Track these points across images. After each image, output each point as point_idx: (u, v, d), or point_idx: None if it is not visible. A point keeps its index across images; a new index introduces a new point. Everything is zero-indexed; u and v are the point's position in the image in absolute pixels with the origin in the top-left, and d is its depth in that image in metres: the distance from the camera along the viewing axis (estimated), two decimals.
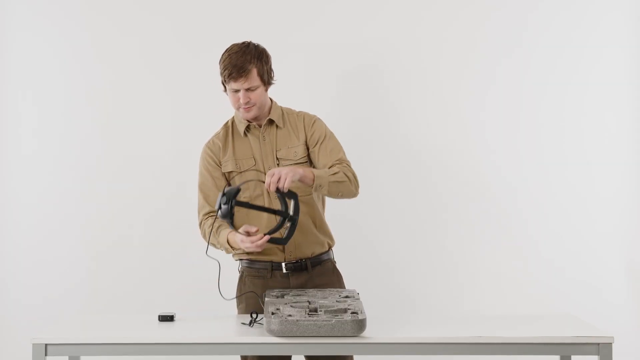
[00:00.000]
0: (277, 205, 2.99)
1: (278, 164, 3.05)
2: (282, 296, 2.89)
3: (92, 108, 4.00)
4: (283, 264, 3.07)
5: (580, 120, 3.95)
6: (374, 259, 3.96)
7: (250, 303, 3.05)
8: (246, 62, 2.96)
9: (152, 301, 3.89)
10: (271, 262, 3.07)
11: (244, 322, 2.84)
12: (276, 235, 2.89)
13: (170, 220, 3.97)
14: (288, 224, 2.89)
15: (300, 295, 2.90)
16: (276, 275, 3.08)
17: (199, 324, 2.86)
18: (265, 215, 3.03)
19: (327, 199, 3.21)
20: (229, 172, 3.09)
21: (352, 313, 2.64)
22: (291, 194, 2.86)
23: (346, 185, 2.98)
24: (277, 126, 3.09)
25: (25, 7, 3.98)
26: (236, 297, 3.12)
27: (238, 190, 2.82)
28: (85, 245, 4.00)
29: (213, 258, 2.91)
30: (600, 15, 3.93)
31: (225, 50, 3.02)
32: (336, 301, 2.80)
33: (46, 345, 2.63)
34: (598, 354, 2.61)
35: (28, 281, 3.99)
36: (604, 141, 3.95)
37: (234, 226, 2.85)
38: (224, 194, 2.80)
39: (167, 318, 2.90)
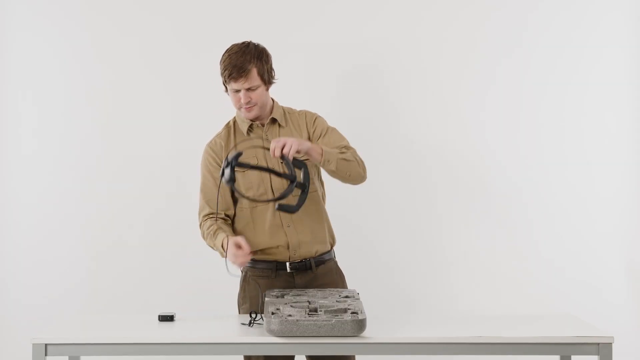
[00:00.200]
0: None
1: (282, 163, 3.05)
2: (282, 296, 2.89)
3: (92, 108, 4.00)
4: (287, 264, 3.07)
5: (580, 120, 3.95)
6: (374, 259, 3.96)
7: (254, 303, 3.05)
8: (246, 62, 2.96)
9: (152, 301, 3.89)
10: (275, 261, 3.07)
11: (244, 322, 2.84)
12: (285, 202, 2.87)
13: (170, 220, 3.97)
14: (298, 192, 2.85)
15: (300, 295, 2.90)
16: (281, 275, 3.08)
17: (199, 324, 2.86)
18: (271, 209, 3.03)
19: (327, 198, 3.21)
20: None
21: (352, 313, 2.64)
22: (300, 163, 2.84)
23: (354, 166, 2.98)
24: (279, 125, 3.10)
25: (25, 7, 3.98)
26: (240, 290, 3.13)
27: (239, 154, 2.82)
28: (85, 245, 4.00)
29: (233, 275, 2.92)
30: (600, 15, 3.93)
31: (226, 51, 3.02)
32: (336, 301, 2.80)
33: (46, 345, 2.63)
34: (598, 354, 2.61)
35: (28, 281, 3.99)
36: (604, 141, 3.95)
37: (238, 191, 2.84)
38: (226, 160, 2.80)
39: (167, 318, 2.90)
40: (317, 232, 3.10)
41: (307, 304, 2.75)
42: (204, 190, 3.11)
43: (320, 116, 3.15)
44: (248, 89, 2.97)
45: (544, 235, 3.95)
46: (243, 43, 3.02)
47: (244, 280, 3.12)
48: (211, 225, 3.04)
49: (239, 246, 2.89)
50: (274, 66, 3.08)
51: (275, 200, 2.89)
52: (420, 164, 3.98)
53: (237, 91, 2.98)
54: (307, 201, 3.02)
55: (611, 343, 2.61)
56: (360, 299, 2.88)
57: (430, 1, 3.96)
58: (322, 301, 2.79)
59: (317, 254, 3.10)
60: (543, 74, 3.94)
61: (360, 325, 2.58)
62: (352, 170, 2.97)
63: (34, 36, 3.98)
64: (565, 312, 3.14)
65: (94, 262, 3.99)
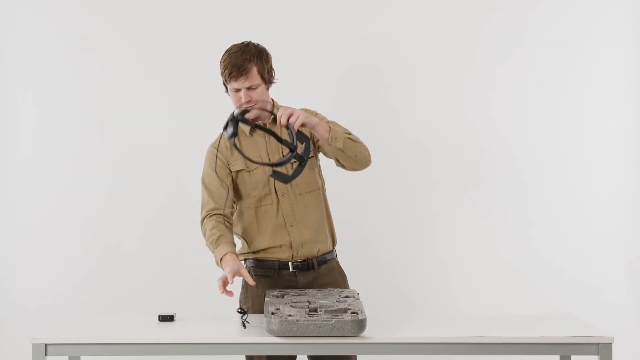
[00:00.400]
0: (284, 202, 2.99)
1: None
2: (282, 296, 2.89)
3: (92, 108, 4.00)
4: (290, 264, 3.07)
5: (580, 120, 3.96)
6: (374, 259, 3.96)
7: (257, 302, 3.05)
8: (246, 60, 2.96)
9: (152, 301, 3.89)
10: (278, 261, 3.07)
11: (242, 317, 2.83)
12: (281, 170, 2.87)
13: (171, 220, 3.97)
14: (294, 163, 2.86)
15: (300, 295, 2.90)
16: (283, 274, 3.08)
17: (199, 324, 2.86)
18: (274, 209, 3.02)
19: (327, 198, 3.21)
20: (238, 171, 3.08)
21: (352, 313, 2.64)
22: (303, 137, 2.83)
23: (360, 147, 2.97)
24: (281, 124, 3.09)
25: (25, 7, 3.98)
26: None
27: (246, 111, 2.83)
28: (85, 246, 4.00)
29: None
30: (600, 15, 3.93)
31: (225, 51, 3.02)
32: (336, 301, 2.80)
33: (46, 345, 2.63)
34: (598, 354, 2.61)
35: (28, 281, 3.99)
36: (604, 141, 3.95)
37: (238, 149, 2.82)
38: (232, 114, 2.80)
39: (167, 318, 2.90)
40: (319, 232, 3.10)
41: (307, 304, 2.75)
42: (208, 187, 3.07)
43: (319, 112, 3.15)
44: (248, 88, 2.97)
45: (544, 235, 3.95)
46: (243, 43, 3.02)
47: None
48: (214, 228, 3.00)
49: (225, 282, 2.84)
50: (274, 66, 3.08)
51: (271, 165, 2.87)
52: (420, 164, 3.98)
53: (238, 90, 2.98)
54: (309, 200, 3.02)
55: (611, 343, 2.61)
56: (360, 299, 2.88)
57: (430, 1, 3.96)
58: (322, 301, 2.79)
59: (319, 254, 3.10)
60: (543, 74, 3.94)
61: (360, 325, 2.58)
62: (358, 151, 2.96)
63: (34, 36, 3.98)
64: (565, 312, 3.14)
65: (94, 262, 3.99)
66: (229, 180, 3.07)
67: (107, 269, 3.99)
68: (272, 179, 3.03)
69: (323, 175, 3.20)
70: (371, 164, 3.05)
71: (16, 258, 4.00)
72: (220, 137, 3.12)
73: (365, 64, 3.97)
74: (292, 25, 3.96)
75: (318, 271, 3.09)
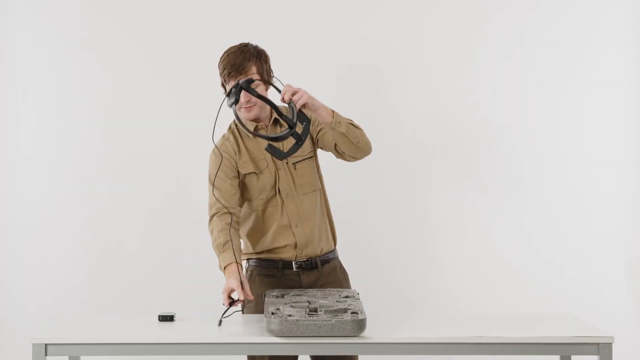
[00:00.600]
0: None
1: (287, 163, 3.05)
2: (282, 296, 2.89)
3: (92, 108, 4.00)
4: (294, 263, 3.07)
5: (581, 120, 3.96)
6: (374, 259, 3.96)
7: (259, 302, 3.05)
8: (245, 60, 2.96)
9: (152, 301, 3.89)
10: (281, 260, 3.07)
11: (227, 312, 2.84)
12: (277, 146, 2.87)
13: (170, 220, 3.97)
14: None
15: (300, 295, 2.90)
16: (287, 273, 3.08)
17: (199, 324, 2.86)
18: (280, 210, 3.03)
19: (329, 197, 3.21)
20: (247, 174, 3.06)
21: (352, 313, 2.64)
22: (304, 117, 2.84)
23: (362, 133, 2.97)
24: (281, 126, 3.09)
25: (25, 7, 3.98)
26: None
27: (252, 80, 2.85)
28: (85, 246, 4.00)
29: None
30: (600, 15, 3.93)
31: (224, 52, 3.02)
32: (336, 301, 2.80)
33: (46, 345, 2.63)
34: (598, 354, 2.61)
35: (28, 281, 3.99)
36: (604, 141, 3.95)
37: (238, 116, 2.85)
38: (237, 82, 2.83)
39: (167, 318, 2.90)
40: (322, 231, 3.11)
41: (307, 304, 2.75)
42: (217, 188, 3.01)
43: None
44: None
45: (544, 235, 3.95)
46: (241, 44, 3.02)
47: (250, 279, 3.12)
48: (222, 231, 2.95)
49: (230, 297, 2.83)
50: (272, 67, 3.08)
51: (269, 138, 2.86)
52: (420, 164, 3.98)
53: None
54: (312, 199, 3.03)
55: (611, 343, 2.61)
56: (360, 299, 2.88)
57: (430, 1, 3.96)
58: (322, 301, 2.79)
59: (322, 253, 3.10)
60: (543, 74, 3.94)
61: (360, 325, 2.58)
62: (361, 138, 2.96)
63: (34, 36, 3.98)
64: (565, 312, 3.14)
65: (94, 262, 3.99)
66: (236, 183, 3.05)
67: (107, 269, 3.99)
68: (277, 181, 3.03)
69: (322, 174, 3.20)
70: (371, 152, 3.03)
71: (16, 258, 4.00)
72: (224, 138, 3.10)
73: (365, 64, 3.97)
74: (292, 25, 3.96)
75: (321, 270, 3.10)
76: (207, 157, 3.12)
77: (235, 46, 3.02)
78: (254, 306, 3.08)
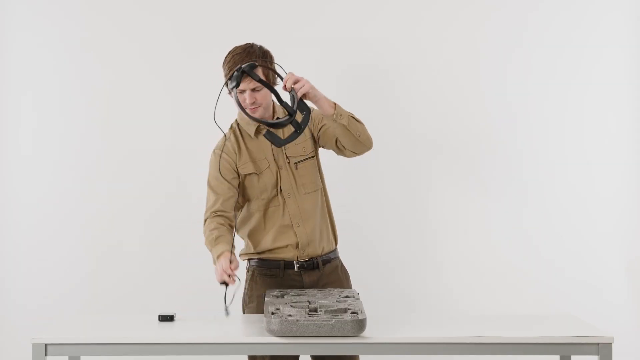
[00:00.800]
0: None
1: (289, 162, 3.05)
2: (282, 296, 2.89)
3: (92, 108, 4.00)
4: (295, 263, 3.07)
5: (581, 121, 3.96)
6: (374, 259, 3.96)
7: (260, 302, 3.05)
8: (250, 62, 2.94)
9: (152, 301, 3.89)
10: (283, 260, 3.07)
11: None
12: (277, 133, 2.88)
13: (171, 220, 3.97)
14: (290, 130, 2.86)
15: (300, 295, 2.90)
16: (288, 273, 3.08)
17: (199, 324, 2.86)
18: (281, 210, 3.03)
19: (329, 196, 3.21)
20: (247, 174, 3.06)
21: (352, 313, 2.64)
22: (304, 106, 2.83)
23: (364, 127, 2.96)
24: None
25: (25, 7, 3.98)
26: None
27: (255, 65, 2.85)
28: (85, 246, 4.00)
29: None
30: (600, 15, 3.93)
31: (229, 52, 3.00)
32: (336, 301, 2.80)
33: (46, 345, 2.63)
34: (598, 354, 2.61)
35: (28, 281, 3.99)
36: (604, 141, 3.95)
37: (237, 101, 2.85)
38: (240, 66, 2.83)
39: (167, 318, 2.90)
40: (323, 231, 3.11)
41: (307, 303, 2.75)
42: (215, 191, 3.03)
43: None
44: (253, 90, 2.95)
45: (544, 235, 3.95)
46: (246, 44, 3.01)
47: (251, 279, 3.12)
48: (215, 229, 2.97)
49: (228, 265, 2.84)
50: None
51: (268, 124, 2.87)
52: (419, 164, 3.98)
53: (242, 91, 2.96)
54: (313, 199, 3.04)
55: (611, 343, 2.61)
56: (360, 299, 2.88)
57: (430, 1, 3.96)
58: (322, 301, 2.79)
59: (323, 253, 3.10)
60: (543, 74, 3.94)
61: (360, 325, 2.58)
62: (362, 132, 2.94)
63: (34, 36, 3.98)
64: (565, 312, 3.14)
65: (94, 262, 3.99)
66: (236, 184, 3.05)
67: (107, 269, 3.99)
68: (279, 181, 3.03)
69: (323, 173, 3.20)
70: (372, 147, 3.02)
71: (16, 258, 4.00)
72: (225, 139, 3.10)
73: (365, 64, 3.97)
74: (292, 25, 3.95)
75: (323, 270, 3.09)
76: (207, 157, 3.12)
77: (240, 47, 3.00)
78: (254, 306, 3.08)
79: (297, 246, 3.06)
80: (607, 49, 3.93)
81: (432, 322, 2.91)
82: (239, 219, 3.13)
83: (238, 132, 3.11)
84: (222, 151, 3.05)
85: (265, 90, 2.97)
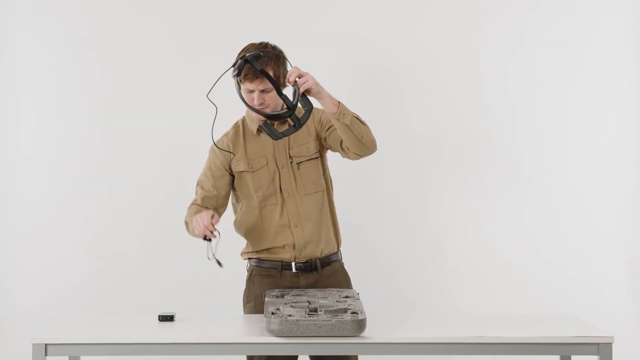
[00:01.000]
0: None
1: (291, 162, 3.05)
2: (282, 296, 2.89)
3: (92, 108, 4.00)
4: (293, 264, 3.07)
5: (581, 121, 3.96)
6: (374, 259, 3.96)
7: (259, 302, 3.05)
8: (263, 63, 2.92)
9: (152, 301, 3.89)
10: (281, 261, 3.07)
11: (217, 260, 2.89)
12: (274, 126, 2.87)
13: (171, 220, 3.94)
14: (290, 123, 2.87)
15: (300, 295, 2.90)
16: (286, 274, 3.08)
17: (199, 324, 2.86)
18: (279, 209, 3.03)
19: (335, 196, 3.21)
20: (241, 172, 3.08)
21: (352, 313, 2.64)
22: (307, 102, 2.82)
23: (367, 129, 2.93)
24: (289, 125, 3.07)
25: (25, 7, 3.97)
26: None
27: (260, 56, 2.85)
28: (85, 246, 4.00)
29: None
30: (601, 15, 3.93)
31: (242, 50, 3.00)
32: (336, 301, 2.80)
33: (46, 345, 2.63)
34: (598, 354, 2.61)
35: (28, 281, 3.99)
36: (604, 141, 3.95)
37: (238, 90, 2.86)
38: (244, 56, 2.84)
39: (167, 318, 2.90)
40: (323, 233, 3.09)
41: (307, 304, 2.75)
42: (202, 187, 3.10)
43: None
44: (262, 91, 2.95)
45: (544, 235, 3.95)
46: (261, 44, 3.00)
47: (249, 279, 3.13)
48: (196, 211, 3.03)
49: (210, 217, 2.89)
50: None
51: (266, 115, 2.87)
52: (419, 163, 3.98)
53: (251, 91, 2.96)
54: (315, 200, 3.03)
55: (611, 343, 2.61)
56: (360, 299, 2.88)
57: (430, 1, 3.96)
58: (322, 301, 2.79)
59: (322, 255, 3.09)
60: (543, 74, 3.94)
61: (360, 325, 2.58)
62: (365, 133, 2.91)
63: (34, 36, 3.98)
64: (565, 312, 3.14)
65: (94, 262, 3.99)
66: (223, 182, 3.07)
67: (107, 269, 3.99)
68: (277, 180, 3.03)
69: (331, 176, 3.19)
70: (376, 150, 3.00)
71: (16, 258, 4.00)
72: (223, 134, 3.11)
73: (365, 64, 3.97)
74: (292, 26, 3.95)
75: (321, 272, 3.09)
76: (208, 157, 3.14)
77: (253, 45, 2.99)
78: (252, 306, 3.08)
79: (294, 247, 3.05)
80: (607, 49, 3.93)
81: (432, 322, 2.91)
82: (237, 217, 3.14)
83: (241, 129, 3.12)
84: (216, 145, 3.08)
85: (274, 93, 2.95)
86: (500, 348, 2.63)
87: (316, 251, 3.07)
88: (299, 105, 2.85)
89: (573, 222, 3.95)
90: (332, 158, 3.20)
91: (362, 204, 3.97)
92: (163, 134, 3.99)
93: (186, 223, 3.08)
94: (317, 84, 2.82)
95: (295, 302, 2.76)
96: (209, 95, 2.91)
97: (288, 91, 2.96)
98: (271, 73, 2.94)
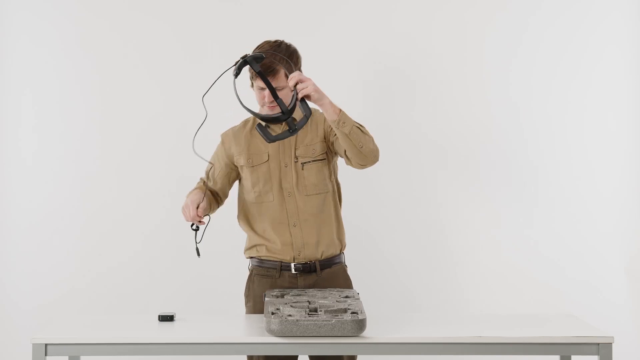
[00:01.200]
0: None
1: (296, 162, 3.04)
2: (282, 296, 2.89)
3: (92, 108, 4.00)
4: (292, 265, 3.07)
5: (581, 122, 3.96)
6: (374, 259, 3.96)
7: (259, 302, 3.05)
8: (275, 62, 2.94)
9: (152, 301, 3.90)
10: (280, 262, 3.07)
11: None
12: (269, 129, 2.88)
13: (171, 221, 3.96)
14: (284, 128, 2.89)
15: (300, 295, 2.90)
16: (284, 275, 3.07)
17: (199, 324, 2.86)
18: (277, 206, 3.05)
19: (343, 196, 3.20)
20: (241, 166, 3.10)
21: (352, 313, 2.64)
22: (306, 108, 2.82)
23: (369, 140, 2.89)
24: None
25: (26, 8, 3.97)
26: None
27: (262, 57, 2.85)
28: (86, 246, 4.00)
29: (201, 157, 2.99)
30: (601, 16, 3.93)
31: (256, 47, 2.99)
32: (336, 301, 2.80)
33: (46, 345, 2.63)
34: (598, 354, 2.61)
35: (28, 281, 3.99)
36: (605, 141, 3.96)
37: (236, 92, 2.85)
38: (245, 56, 2.84)
39: (167, 318, 2.90)
40: (324, 235, 3.07)
41: (307, 304, 2.75)
42: (207, 171, 3.17)
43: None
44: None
45: (544, 235, 3.96)
46: (275, 42, 2.99)
47: (250, 279, 3.13)
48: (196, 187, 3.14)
49: (196, 206, 2.95)
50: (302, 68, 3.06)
51: (259, 117, 2.88)
52: (422, 164, 3.98)
53: (263, 89, 2.96)
54: (316, 202, 3.03)
55: (611, 343, 2.61)
56: (361, 299, 2.88)
57: (434, 6, 3.95)
58: (322, 301, 2.79)
59: (323, 257, 3.08)
60: (544, 74, 3.95)
61: (360, 325, 2.58)
62: (365, 143, 2.87)
63: (34, 39, 3.98)
64: (565, 312, 3.14)
65: (94, 262, 3.99)
66: (224, 173, 3.13)
67: (107, 269, 3.99)
68: (276, 176, 3.03)
69: (339, 179, 3.18)
70: (377, 161, 2.98)
71: (16, 258, 4.00)
72: (231, 127, 3.14)
73: (370, 67, 3.98)
74: (293, 27, 3.95)
75: (320, 275, 3.08)
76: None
77: (268, 43, 2.98)
78: (251, 306, 3.08)
79: (292, 246, 3.05)
80: (608, 49, 3.93)
81: (432, 322, 2.91)
82: (238, 210, 3.16)
83: (250, 124, 3.13)
84: (222, 136, 3.14)
85: (286, 91, 2.95)
86: (500, 348, 2.63)
87: (316, 253, 3.06)
88: (300, 110, 2.85)
89: (573, 222, 3.96)
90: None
91: (363, 204, 3.97)
92: (163, 135, 3.99)
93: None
94: (317, 90, 2.81)
95: (295, 302, 2.76)
96: (204, 99, 2.92)
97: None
98: (283, 72, 2.94)
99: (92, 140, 4.00)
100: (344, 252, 3.17)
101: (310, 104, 2.85)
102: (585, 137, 3.96)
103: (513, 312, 3.56)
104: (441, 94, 3.97)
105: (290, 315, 2.61)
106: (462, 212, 3.98)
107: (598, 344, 2.61)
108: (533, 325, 2.81)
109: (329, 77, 3.93)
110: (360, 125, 2.91)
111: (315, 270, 3.07)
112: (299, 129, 2.83)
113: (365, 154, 2.90)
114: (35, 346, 2.63)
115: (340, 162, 3.16)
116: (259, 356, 2.90)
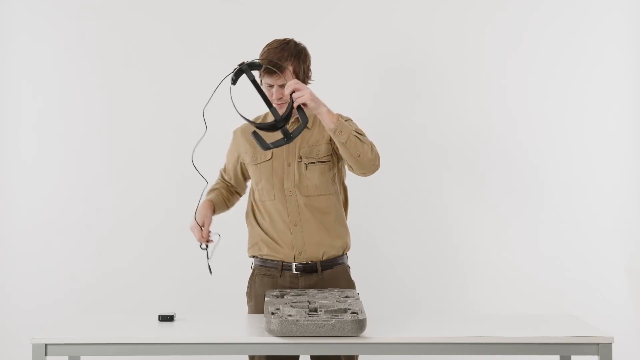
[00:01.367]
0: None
1: (300, 162, 3.04)
2: (282, 296, 2.89)
3: (93, 111, 4.00)
4: (293, 265, 3.07)
5: (581, 121, 3.96)
6: (374, 259, 3.96)
7: (259, 302, 3.06)
8: (282, 58, 2.93)
9: (152, 301, 3.89)
10: (282, 261, 3.07)
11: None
12: (265, 136, 2.88)
13: (171, 221, 3.97)
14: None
15: (300, 295, 2.90)
16: (285, 275, 3.07)
17: (198, 324, 2.86)
18: (279, 206, 3.05)
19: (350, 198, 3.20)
20: (246, 163, 3.14)
21: (352, 313, 2.64)
22: (302, 116, 2.82)
23: (367, 149, 2.88)
24: (307, 127, 3.06)
25: (26, 8, 3.97)
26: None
27: (259, 66, 2.89)
28: (86, 246, 4.00)
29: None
30: (601, 16, 3.94)
31: (266, 45, 3.00)
32: (336, 301, 2.80)
33: (46, 345, 2.63)
34: (598, 354, 2.61)
35: (29, 281, 4.00)
36: (606, 141, 3.96)
37: (233, 102, 2.87)
38: (242, 63, 2.87)
39: (167, 318, 2.90)
40: (326, 236, 3.07)
41: (307, 304, 2.75)
42: (226, 165, 3.26)
43: (352, 119, 3.12)
44: (281, 86, 2.94)
45: (544, 234, 3.96)
46: (284, 40, 3.00)
47: (251, 278, 3.14)
48: (216, 184, 3.24)
49: (202, 226, 3.03)
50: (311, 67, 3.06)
51: (255, 125, 2.89)
52: (422, 164, 3.98)
53: (271, 86, 2.96)
54: (318, 203, 3.03)
55: (611, 343, 2.61)
56: (360, 299, 2.88)
57: (435, 5, 3.95)
58: (322, 301, 2.79)
59: (324, 258, 3.08)
60: (544, 74, 3.95)
61: (360, 325, 2.58)
62: (363, 152, 2.87)
63: (34, 39, 3.98)
64: (565, 312, 3.14)
65: (94, 262, 4.00)
66: (233, 168, 3.21)
67: (107, 269, 3.99)
68: (279, 174, 3.03)
69: (345, 182, 3.18)
70: (376, 170, 2.97)
71: (17, 258, 4.00)
72: (243, 124, 3.15)
73: (373, 68, 3.98)
74: (294, 27, 3.94)
75: (321, 275, 3.07)
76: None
77: (277, 41, 2.99)
78: (253, 305, 3.08)
79: (293, 246, 3.05)
80: (607, 49, 3.93)
81: (432, 322, 2.91)
82: (247, 207, 3.19)
83: (260, 120, 3.14)
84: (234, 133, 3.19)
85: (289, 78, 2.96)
86: (500, 348, 2.63)
87: (317, 253, 3.06)
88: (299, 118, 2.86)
89: (574, 222, 3.96)
90: None
91: (364, 204, 3.96)
92: (165, 136, 3.99)
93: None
94: (313, 99, 2.81)
95: (295, 302, 2.76)
96: (204, 112, 2.93)
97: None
98: (291, 69, 2.95)
99: (93, 140, 4.00)
100: (347, 254, 3.16)
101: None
102: (585, 137, 3.96)
103: (513, 312, 3.58)
104: (443, 94, 3.98)
105: (290, 315, 2.61)
106: (462, 212, 3.98)
107: (598, 344, 2.61)
108: (533, 325, 2.81)
109: (329, 77, 3.93)
110: (360, 134, 2.91)
111: (316, 271, 3.07)
112: (294, 138, 2.84)
113: (362, 163, 2.90)
114: (35, 346, 2.63)
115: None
116: (260, 356, 2.90)
